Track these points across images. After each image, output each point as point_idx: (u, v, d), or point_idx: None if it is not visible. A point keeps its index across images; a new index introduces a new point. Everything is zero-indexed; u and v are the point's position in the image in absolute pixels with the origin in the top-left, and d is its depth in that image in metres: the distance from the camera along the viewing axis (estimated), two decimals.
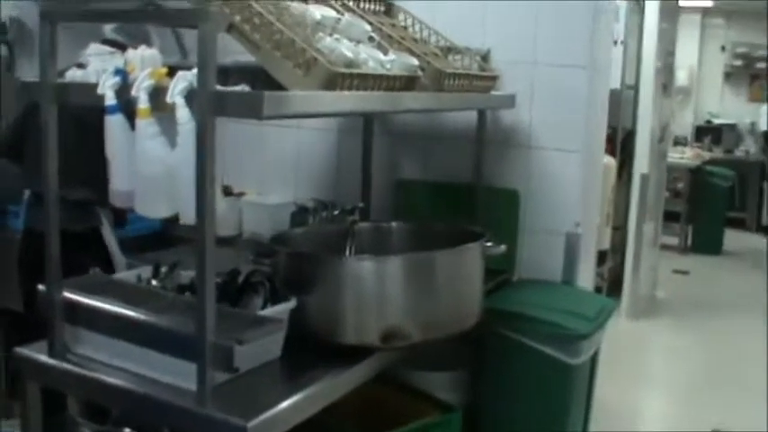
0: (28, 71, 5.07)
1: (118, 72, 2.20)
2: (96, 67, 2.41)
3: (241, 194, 3.98)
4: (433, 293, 2.54)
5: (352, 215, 3.27)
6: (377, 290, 2.44)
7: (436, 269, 2.55)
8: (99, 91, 2.18)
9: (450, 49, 3.28)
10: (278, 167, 4.14)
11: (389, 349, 2.49)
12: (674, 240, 9.88)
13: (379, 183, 3.79)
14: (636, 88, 7.04)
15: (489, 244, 2.79)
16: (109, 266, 3.26)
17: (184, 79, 2.03)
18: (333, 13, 2.58)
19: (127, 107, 2.18)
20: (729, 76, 12.99)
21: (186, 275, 2.56)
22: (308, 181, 4.04)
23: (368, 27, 2.65)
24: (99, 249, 3.42)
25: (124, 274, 2.73)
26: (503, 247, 2.86)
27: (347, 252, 2.76)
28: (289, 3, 2.52)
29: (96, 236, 3.46)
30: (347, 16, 2.62)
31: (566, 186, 3.62)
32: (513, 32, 3.63)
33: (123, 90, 2.16)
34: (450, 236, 2.79)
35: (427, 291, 2.52)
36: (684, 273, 8.96)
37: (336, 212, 3.41)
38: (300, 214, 3.54)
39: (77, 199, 3.20)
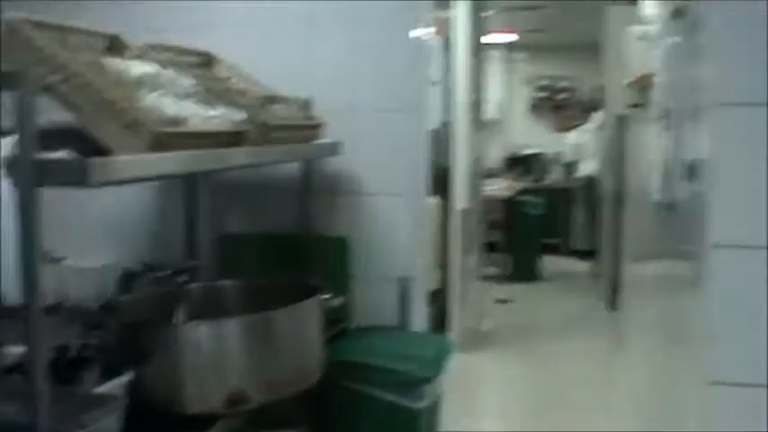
0: None
1: None
2: None
3: (61, 259, 3.79)
4: (275, 353, 2.47)
5: (182, 276, 3.16)
6: (216, 355, 2.35)
7: (275, 328, 2.49)
8: None
9: (272, 99, 3.23)
10: (99, 228, 3.96)
11: (234, 414, 2.41)
12: (494, 270, 10.10)
13: (207, 239, 3.69)
14: (449, 125, 7.17)
15: (327, 296, 2.74)
16: None
17: (3, 148, 1.90)
18: (154, 69, 2.49)
19: None
20: (534, 107, 13.49)
21: (12, 355, 2.39)
22: (131, 241, 3.88)
23: (190, 81, 2.57)
24: None
25: None
26: (340, 299, 2.82)
27: (180, 317, 2.65)
28: (108, 59, 2.42)
29: None
30: (169, 71, 2.53)
31: (395, 231, 3.62)
32: (335, 79, 3.62)
33: None
34: (286, 291, 2.73)
35: (268, 351, 2.45)
36: (506, 301, 9.16)
37: (165, 274, 3.29)
38: (127, 278, 3.38)
39: None
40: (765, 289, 2.51)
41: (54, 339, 2.35)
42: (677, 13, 3.27)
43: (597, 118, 10.78)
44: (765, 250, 2.51)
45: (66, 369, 2.32)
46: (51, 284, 3.62)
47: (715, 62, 2.55)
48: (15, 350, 2.30)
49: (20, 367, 2.27)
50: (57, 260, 3.75)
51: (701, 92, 2.81)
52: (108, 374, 2.30)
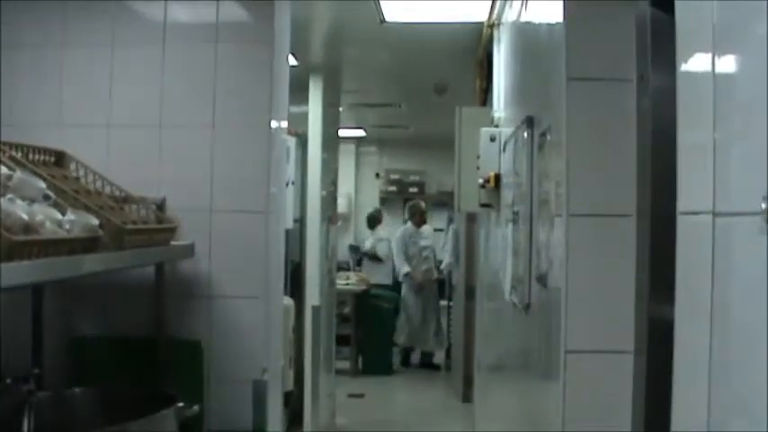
0: None
1: None
2: None
3: None
4: None
5: (27, 384, 3.01)
6: None
7: None
8: None
9: (125, 200, 3.17)
10: None
11: None
12: (346, 364, 10.06)
13: (53, 343, 3.54)
14: (302, 221, 7.18)
15: (181, 405, 2.67)
16: None
17: None
18: (3, 170, 2.41)
19: None
20: (385, 200, 13.67)
21: None
22: None
23: (42, 184, 2.49)
24: None
25: None
26: (196, 408, 2.76)
27: (26, 430, 2.53)
28: None
29: None
30: (19, 173, 2.46)
31: (249, 333, 3.57)
32: (189, 180, 3.58)
33: None
34: (139, 399, 2.65)
35: None
36: (360, 396, 9.13)
37: (8, 381, 3.13)
38: None
39: None
40: (612, 390, 2.58)
41: None
42: (528, 122, 3.38)
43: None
44: (613, 354, 2.58)
45: None
46: None
47: (564, 172, 2.64)
48: None
49: None
50: None
51: (549, 199, 2.90)
52: None
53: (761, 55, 1.22)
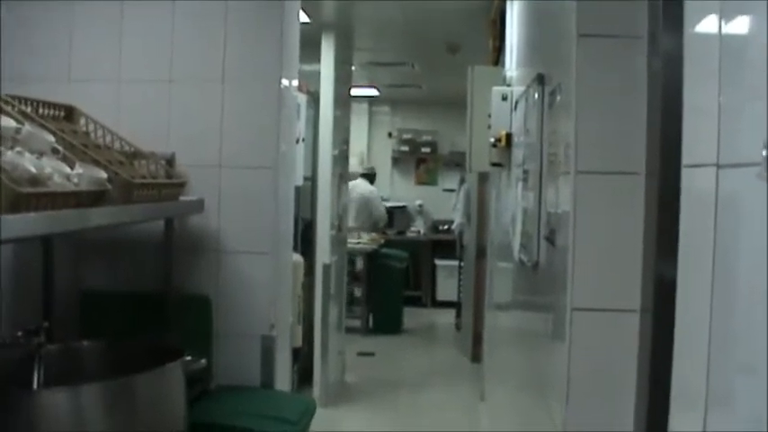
0: None
1: None
2: None
3: None
4: (138, 418, 2.41)
5: (37, 336, 3.04)
6: (75, 423, 2.27)
7: (138, 394, 2.42)
8: None
9: (135, 155, 3.17)
10: None
11: None
12: (356, 323, 10.10)
13: (63, 297, 3.56)
14: (313, 179, 7.17)
15: (189, 358, 2.69)
16: None
17: None
18: (12, 123, 2.41)
19: None
20: (397, 160, 13.65)
21: None
22: None
23: (51, 138, 2.50)
24: None
25: None
26: (203, 362, 2.78)
27: (36, 381, 2.55)
28: None
29: None
30: (27, 126, 2.46)
31: (257, 289, 3.60)
32: (198, 135, 3.59)
33: None
34: (148, 352, 2.66)
35: (130, 417, 2.38)
36: (370, 354, 9.16)
37: (18, 334, 3.16)
38: None
39: None
40: (618, 348, 2.58)
41: None
42: (539, 79, 3.36)
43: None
44: (619, 313, 2.58)
45: None
46: None
47: (573, 130, 2.63)
48: None
49: None
50: None
51: (559, 158, 2.89)
52: None
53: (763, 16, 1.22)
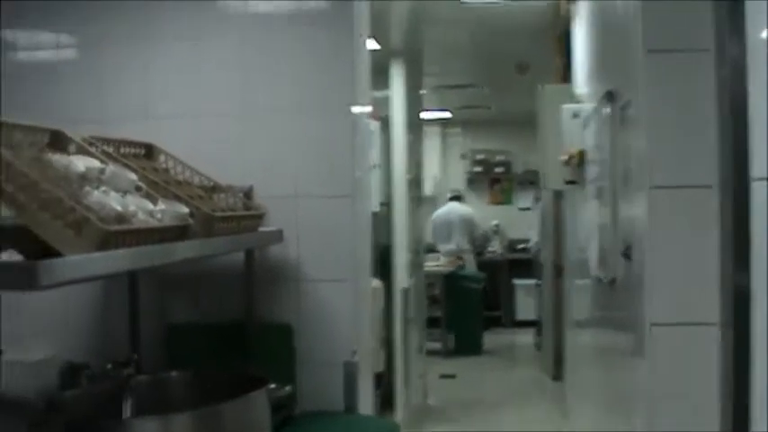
0: None
1: None
2: None
3: None
4: None
5: (127, 368, 3.13)
6: None
7: (224, 422, 2.47)
8: None
9: (213, 189, 3.25)
10: (36, 321, 3.91)
11: None
12: (437, 345, 10.11)
13: (149, 330, 3.66)
14: (389, 205, 7.22)
15: (273, 386, 2.74)
16: None
17: None
18: (96, 164, 2.50)
19: None
20: (471, 181, 13.66)
21: None
22: (71, 333, 3.83)
23: (134, 176, 2.58)
24: None
25: None
26: (288, 389, 2.83)
27: (126, 411, 2.63)
28: (51, 155, 2.43)
29: None
30: (111, 166, 2.54)
31: (338, 316, 3.64)
32: (274, 166, 3.65)
33: None
34: (232, 381, 2.72)
35: None
36: (451, 376, 9.16)
37: (109, 366, 3.25)
38: (69, 371, 3.35)
39: None
40: (699, 362, 2.57)
41: None
42: (608, 96, 3.37)
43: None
44: (698, 326, 2.57)
45: None
46: None
47: (646, 146, 2.63)
48: None
49: None
50: None
51: (632, 173, 2.90)
52: None
53: None
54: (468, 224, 11.56)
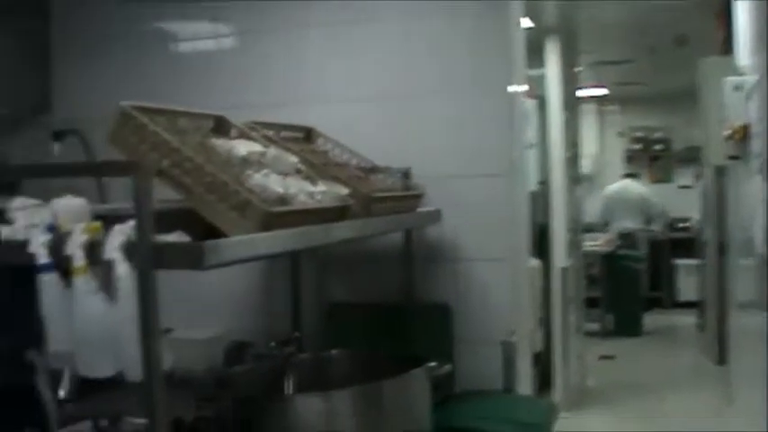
0: None
1: (49, 228, 2.13)
2: (24, 222, 2.33)
3: (168, 330, 3.87)
4: (385, 423, 2.50)
5: (289, 346, 3.21)
6: (327, 427, 2.38)
7: (385, 399, 2.51)
8: (30, 249, 2.11)
9: (372, 170, 3.29)
10: (204, 300, 4.03)
11: None
12: (596, 326, 9.96)
13: (310, 309, 3.74)
14: (546, 183, 7.15)
15: (432, 365, 2.76)
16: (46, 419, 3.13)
17: (121, 233, 1.98)
18: (258, 147, 2.57)
19: (60, 263, 2.11)
20: (630, 159, 13.36)
21: (129, 428, 2.47)
22: (236, 311, 3.95)
23: (294, 159, 2.63)
24: (34, 403, 3.28)
25: None
26: (447, 367, 2.84)
27: (289, 388, 2.70)
28: (215, 140, 2.51)
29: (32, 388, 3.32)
30: (272, 149, 2.61)
31: (496, 295, 3.64)
32: (431, 147, 3.67)
33: (56, 246, 2.10)
34: (392, 361, 2.76)
35: (378, 421, 2.48)
36: (611, 357, 9.02)
37: (272, 345, 3.34)
38: (235, 350, 3.47)
39: (10, 352, 3.07)
40: None
41: (167, 411, 2.41)
42: None
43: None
44: None
45: None
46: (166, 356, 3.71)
47: None
48: (134, 422, 2.38)
49: None
50: (165, 332, 3.84)
51: None
52: None
53: None
54: (643, 203, 11.39)
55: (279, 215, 2.16)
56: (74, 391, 2.89)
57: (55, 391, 3.13)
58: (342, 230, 2.58)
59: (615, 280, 10.41)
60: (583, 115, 9.21)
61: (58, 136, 3.85)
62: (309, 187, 2.51)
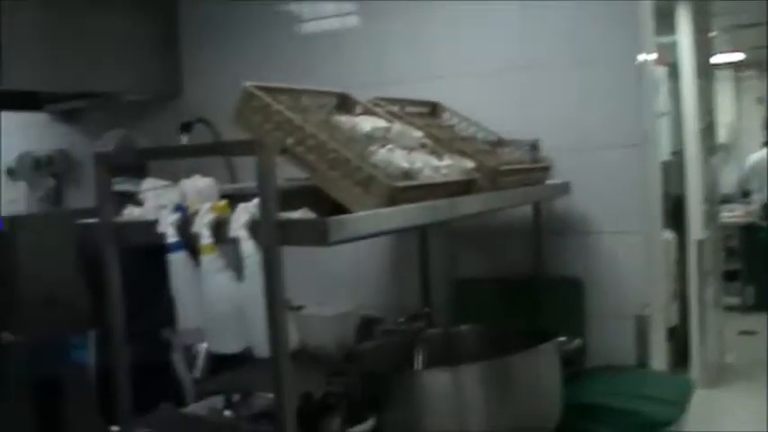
0: (76, 200, 5.13)
1: (177, 208, 2.18)
2: (153, 203, 2.40)
3: (300, 308, 3.92)
4: (514, 399, 2.48)
5: (418, 322, 3.20)
6: (456, 402, 2.39)
7: (514, 374, 2.50)
8: (160, 229, 2.17)
9: (498, 143, 3.26)
10: (333, 276, 4.09)
11: None
12: (735, 300, 9.67)
13: (439, 284, 3.74)
14: (680, 153, 6.96)
15: (563, 339, 2.73)
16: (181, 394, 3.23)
17: (246, 211, 2.01)
18: (382, 123, 2.56)
19: (188, 241, 2.16)
20: None
21: (260, 402, 2.52)
22: (365, 288, 3.99)
23: (418, 133, 2.62)
24: (170, 379, 3.38)
25: (195, 407, 2.70)
26: (577, 342, 2.80)
27: (418, 364, 2.70)
28: (338, 117, 2.52)
29: (167, 365, 3.42)
30: (396, 124, 2.60)
31: (629, 268, 3.56)
32: (559, 119, 3.61)
33: (184, 225, 2.15)
34: (522, 336, 2.73)
35: (508, 397, 2.46)
36: (752, 333, 8.74)
37: (401, 320, 3.35)
38: (364, 326, 3.49)
39: (146, 331, 3.16)
40: None
41: (297, 386, 2.44)
42: None
43: None
44: None
45: (312, 416, 2.40)
46: (292, 332, 3.77)
47: None
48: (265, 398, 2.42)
49: (267, 415, 2.38)
50: (296, 309, 3.90)
51: None
52: (351, 421, 2.36)
53: None
54: None
55: (403, 190, 2.15)
56: (206, 367, 2.98)
57: (189, 367, 3.24)
58: (468, 204, 2.55)
59: (756, 252, 10.07)
60: (718, 82, 8.91)
61: (186, 127, 3.96)
62: (435, 162, 2.49)
